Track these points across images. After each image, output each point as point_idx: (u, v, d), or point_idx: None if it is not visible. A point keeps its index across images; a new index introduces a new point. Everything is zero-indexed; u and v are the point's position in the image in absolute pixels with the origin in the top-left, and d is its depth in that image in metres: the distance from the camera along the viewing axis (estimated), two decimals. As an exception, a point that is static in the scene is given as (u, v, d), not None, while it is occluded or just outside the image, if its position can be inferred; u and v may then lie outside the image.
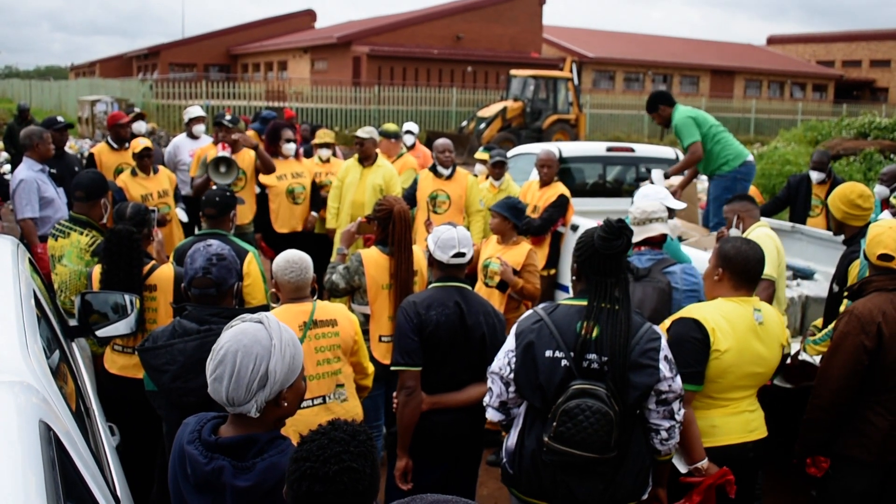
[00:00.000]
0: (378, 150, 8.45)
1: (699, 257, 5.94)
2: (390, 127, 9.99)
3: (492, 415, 3.58)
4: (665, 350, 3.43)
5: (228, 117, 8.21)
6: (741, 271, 3.87)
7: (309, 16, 57.54)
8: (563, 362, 3.33)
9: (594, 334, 3.34)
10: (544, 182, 7.76)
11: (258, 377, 2.30)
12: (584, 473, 3.33)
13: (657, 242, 5.09)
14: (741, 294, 3.88)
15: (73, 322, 4.26)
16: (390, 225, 5.09)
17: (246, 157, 8.17)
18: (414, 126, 11.27)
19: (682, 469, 3.73)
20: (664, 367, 3.38)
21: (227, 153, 7.84)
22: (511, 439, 3.53)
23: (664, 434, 3.46)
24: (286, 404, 2.37)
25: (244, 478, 2.26)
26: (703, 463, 3.70)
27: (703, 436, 3.75)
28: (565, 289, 7.64)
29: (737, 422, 3.86)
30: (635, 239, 5.08)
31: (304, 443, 2.03)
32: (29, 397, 1.99)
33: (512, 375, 3.45)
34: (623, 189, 9.92)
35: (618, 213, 8.68)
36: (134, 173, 7.75)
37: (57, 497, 1.67)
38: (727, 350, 3.73)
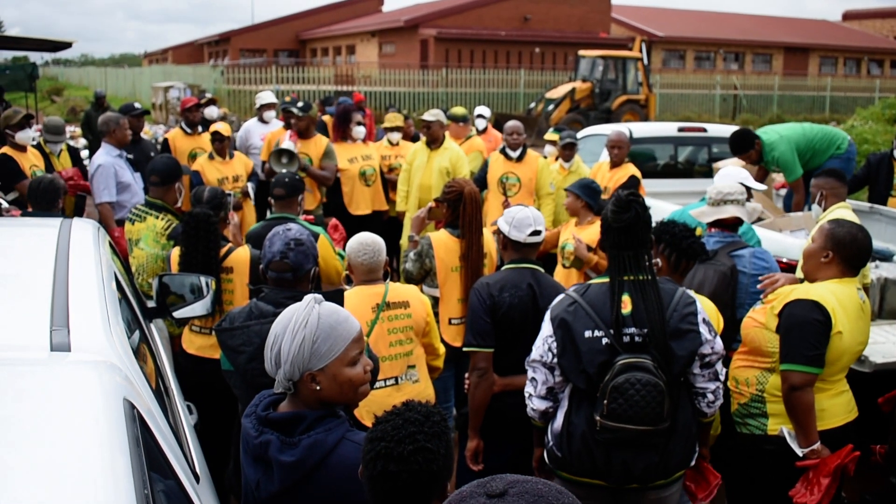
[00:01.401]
0: (446, 133, 8.42)
1: (772, 238, 5.82)
2: (458, 110, 10.03)
3: (538, 404, 3.53)
4: (702, 313, 3.42)
5: (300, 104, 8.25)
6: (852, 256, 3.80)
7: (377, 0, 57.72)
8: (604, 340, 3.32)
9: (628, 308, 3.33)
10: (615, 163, 7.69)
11: (275, 354, 2.36)
12: (639, 447, 3.32)
13: (730, 225, 5.00)
14: (847, 277, 3.82)
15: (150, 303, 4.35)
16: (461, 206, 5.09)
17: (314, 146, 8.18)
18: (486, 110, 11.23)
19: (799, 452, 3.69)
20: (704, 330, 3.37)
21: (291, 144, 7.88)
22: (557, 422, 3.51)
23: (711, 397, 3.47)
24: (319, 388, 2.36)
25: (289, 453, 2.30)
26: (818, 445, 3.67)
27: None
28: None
29: (840, 403, 3.83)
30: (707, 219, 5.01)
31: (378, 423, 2.05)
32: (113, 376, 2.03)
33: (556, 360, 3.43)
34: (695, 170, 9.77)
35: (690, 195, 8.56)
36: (211, 157, 7.89)
37: (142, 474, 1.70)
38: (843, 332, 3.68)
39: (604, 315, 3.35)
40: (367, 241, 4.15)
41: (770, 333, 3.82)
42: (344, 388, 2.38)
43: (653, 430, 3.25)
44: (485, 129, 10.96)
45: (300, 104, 8.25)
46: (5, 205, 5.85)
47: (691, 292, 3.55)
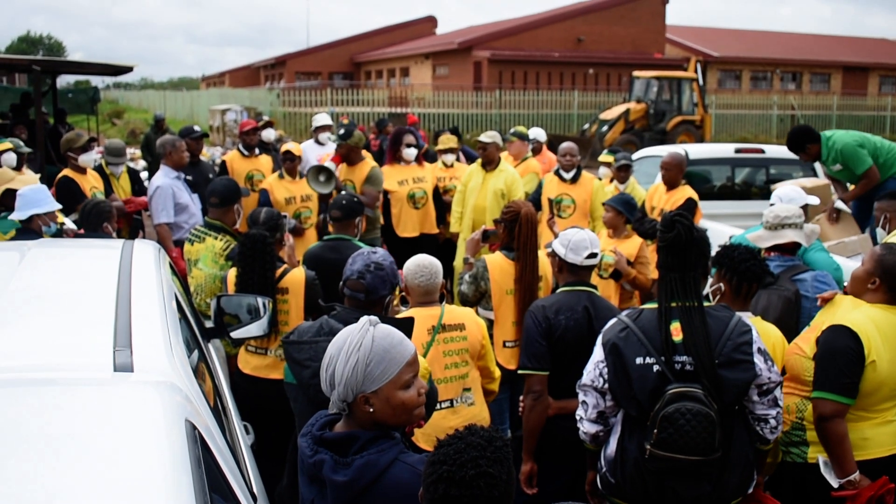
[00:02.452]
0: (505, 154, 8.44)
1: (842, 263, 5.69)
2: (522, 129, 10.10)
3: (588, 427, 3.47)
4: (758, 342, 3.33)
5: (341, 130, 8.30)
6: None
7: (430, 22, 58.13)
8: (655, 367, 3.25)
9: (679, 336, 3.26)
10: (671, 185, 7.61)
11: (329, 376, 2.38)
12: (690, 477, 3.24)
13: (789, 248, 4.93)
14: (893, 305, 3.71)
15: (208, 323, 4.41)
16: (517, 228, 5.07)
17: (358, 172, 8.11)
18: (540, 132, 11.21)
19: (834, 483, 3.59)
20: (759, 360, 3.29)
21: (329, 164, 7.89)
22: (610, 447, 3.45)
23: (773, 423, 3.38)
24: (372, 410, 2.36)
25: (342, 472, 2.30)
26: (856, 476, 3.55)
27: (854, 448, 3.60)
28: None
29: (887, 432, 3.69)
30: (765, 244, 4.93)
31: (440, 446, 2.04)
32: (175, 397, 2.06)
33: (607, 385, 3.37)
34: (752, 192, 9.65)
35: (747, 217, 8.44)
36: (281, 176, 7.94)
37: (204, 495, 1.72)
38: (882, 361, 3.57)
39: (655, 341, 3.29)
40: (425, 264, 4.16)
41: (808, 362, 3.73)
42: (397, 411, 2.38)
43: (703, 460, 3.18)
44: (540, 150, 10.93)
45: (341, 130, 8.29)
46: (69, 225, 5.96)
47: (748, 319, 3.48)
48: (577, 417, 3.54)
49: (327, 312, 3.69)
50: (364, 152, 8.21)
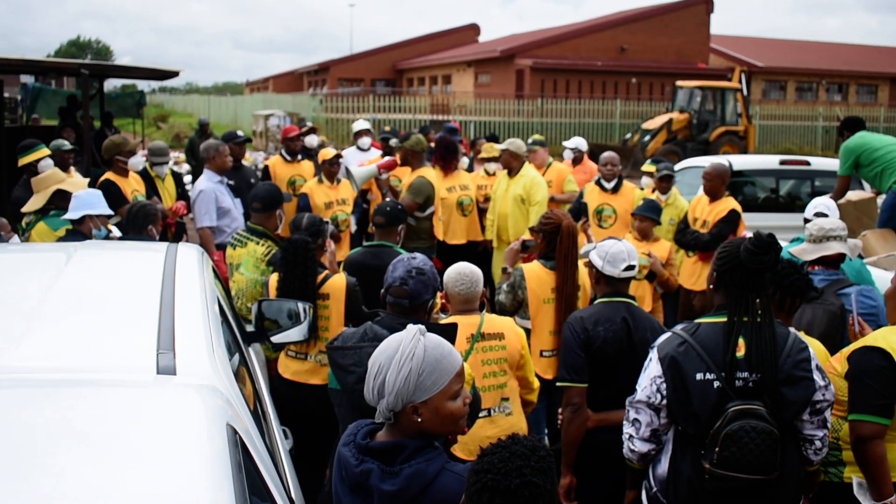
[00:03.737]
0: (526, 161, 8.52)
1: (880, 277, 5.63)
2: (540, 137, 10.28)
3: (640, 446, 3.39)
4: (815, 359, 3.29)
5: (401, 137, 8.43)
6: None
7: (473, 30, 58.19)
8: (716, 384, 3.20)
9: (742, 352, 3.20)
10: (714, 196, 7.54)
11: (378, 385, 2.36)
12: (748, 496, 3.20)
13: (833, 262, 4.85)
14: None
15: (249, 327, 4.43)
16: (557, 240, 5.06)
17: (410, 177, 8.30)
18: (582, 142, 11.18)
19: None
20: (817, 377, 3.25)
21: (368, 170, 8.01)
22: (662, 467, 3.39)
23: (818, 444, 3.33)
24: (420, 420, 2.35)
25: (390, 482, 2.30)
26: (893, 499, 3.47)
27: (891, 470, 3.52)
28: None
29: None
30: (809, 257, 4.87)
31: (484, 455, 2.04)
32: (216, 400, 2.07)
33: (664, 402, 3.31)
34: (797, 204, 9.54)
35: (792, 230, 8.33)
36: (320, 181, 8.01)
37: (244, 500, 1.73)
38: None
39: (716, 357, 3.23)
40: (466, 272, 4.16)
41: (841, 381, 3.66)
42: (445, 421, 2.38)
43: (764, 479, 3.14)
44: (580, 160, 10.89)
45: (392, 140, 8.41)
46: (116, 232, 6.03)
47: (802, 336, 3.43)
48: (626, 436, 3.46)
49: (371, 318, 3.71)
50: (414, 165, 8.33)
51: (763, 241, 3.23)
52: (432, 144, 9.16)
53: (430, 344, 2.38)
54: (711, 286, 3.42)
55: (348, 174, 8.04)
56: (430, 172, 8.26)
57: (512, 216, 8.18)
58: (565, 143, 11.08)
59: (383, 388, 2.35)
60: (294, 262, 4.88)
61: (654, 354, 3.38)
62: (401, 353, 2.35)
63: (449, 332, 3.20)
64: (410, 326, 2.42)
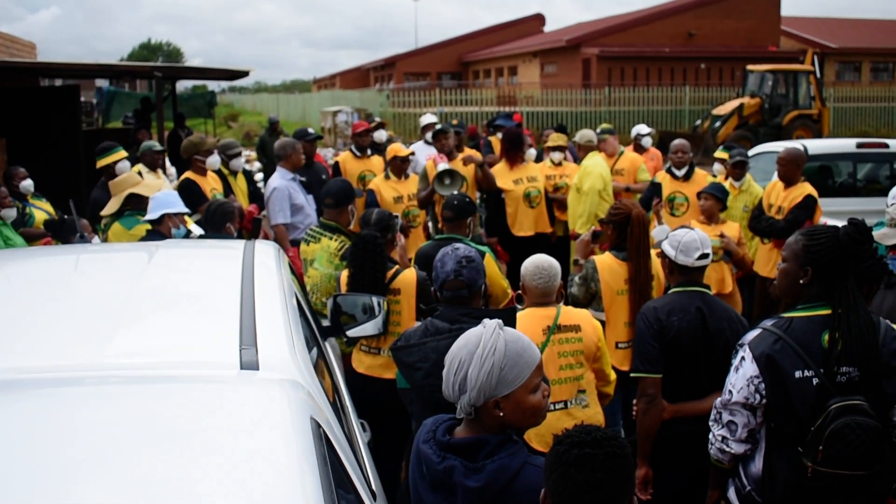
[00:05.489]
0: (595, 154, 8.61)
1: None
2: (608, 125, 10.32)
3: (737, 448, 3.30)
4: None
5: (434, 122, 8.46)
6: None
7: (538, 20, 57.89)
8: (814, 381, 3.10)
9: (840, 345, 3.11)
10: (789, 182, 7.39)
11: (459, 380, 2.37)
12: (850, 492, 3.11)
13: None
14: None
15: (325, 322, 4.49)
16: (628, 230, 5.04)
17: (466, 165, 8.40)
18: (643, 127, 11.05)
19: None
20: None
21: (445, 164, 8.01)
22: (755, 465, 3.31)
23: None
24: (502, 414, 2.36)
25: (474, 478, 2.30)
26: None
27: None
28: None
29: None
30: (890, 242, 4.73)
31: (559, 442, 2.06)
32: (299, 394, 2.10)
33: (764, 402, 3.21)
34: (876, 187, 9.29)
35: (871, 214, 8.12)
36: (387, 177, 8.02)
37: (331, 493, 1.76)
38: None
39: (812, 352, 3.13)
40: (544, 266, 4.16)
41: None
42: (526, 415, 2.39)
43: (867, 474, 3.06)
44: (644, 148, 10.74)
45: (435, 123, 8.52)
46: (197, 230, 6.16)
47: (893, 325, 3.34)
48: (718, 438, 3.36)
49: (430, 314, 3.74)
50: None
51: (864, 228, 3.15)
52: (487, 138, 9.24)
53: (511, 338, 2.38)
54: (803, 280, 3.28)
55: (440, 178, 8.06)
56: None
57: (571, 206, 8.45)
58: (638, 130, 10.92)
59: (465, 384, 2.36)
60: (363, 258, 4.92)
61: (746, 353, 3.25)
62: (482, 347, 2.35)
63: (509, 317, 3.19)
64: (488, 321, 2.43)
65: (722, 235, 6.70)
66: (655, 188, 7.99)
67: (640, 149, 10.51)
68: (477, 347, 2.36)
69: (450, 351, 2.44)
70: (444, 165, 7.94)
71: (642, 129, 10.92)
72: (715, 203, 6.91)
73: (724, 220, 7.03)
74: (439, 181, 7.80)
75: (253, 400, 2.02)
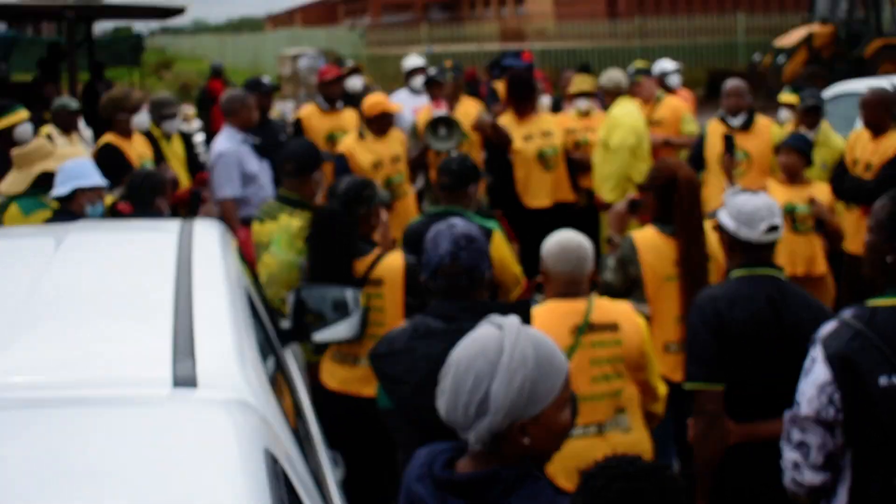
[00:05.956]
0: (626, 100, 8.57)
1: None
2: (642, 63, 10.35)
3: (811, 477, 3.24)
4: None
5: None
6: None
7: (551, -66, 57.77)
8: None
9: None
10: (877, 130, 7.34)
11: (477, 401, 2.24)
12: None
13: None
14: None
15: (285, 323, 4.45)
16: (675, 196, 4.98)
17: (469, 115, 8.34)
18: (670, 64, 10.97)
19: None
20: None
21: (443, 111, 7.95)
22: (839, 500, 3.24)
23: None
24: (528, 441, 2.26)
25: None
26: None
27: None
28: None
29: None
30: None
31: (592, 477, 2.00)
32: (250, 419, 2.07)
33: (840, 416, 3.15)
34: None
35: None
36: (361, 135, 7.95)
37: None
38: None
39: None
40: (572, 245, 4.10)
41: None
42: (555, 437, 2.32)
43: None
44: (671, 90, 10.63)
45: (430, 69, 8.46)
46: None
47: None
48: (790, 464, 3.32)
49: (419, 310, 3.68)
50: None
51: None
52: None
53: (536, 340, 2.29)
54: (890, 257, 3.24)
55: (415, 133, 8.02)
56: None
57: (598, 166, 8.34)
58: (662, 66, 10.82)
59: (486, 406, 2.22)
60: (320, 241, 4.88)
61: (818, 353, 3.20)
62: (509, 356, 2.23)
63: (522, 314, 3.11)
64: (506, 320, 2.33)
65: (812, 201, 6.63)
66: (711, 141, 7.92)
67: (665, 90, 10.44)
68: (500, 356, 2.24)
69: (453, 360, 2.32)
70: (440, 112, 7.91)
71: (667, 64, 10.88)
72: (798, 159, 6.85)
73: (810, 181, 6.94)
74: (432, 131, 7.73)
75: (189, 427, 1.98)
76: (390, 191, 7.52)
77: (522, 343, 2.25)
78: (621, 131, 8.27)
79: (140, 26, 45.87)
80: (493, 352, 2.25)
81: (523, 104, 8.50)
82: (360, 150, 7.82)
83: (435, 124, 7.80)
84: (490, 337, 2.28)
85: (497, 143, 8.36)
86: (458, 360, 2.30)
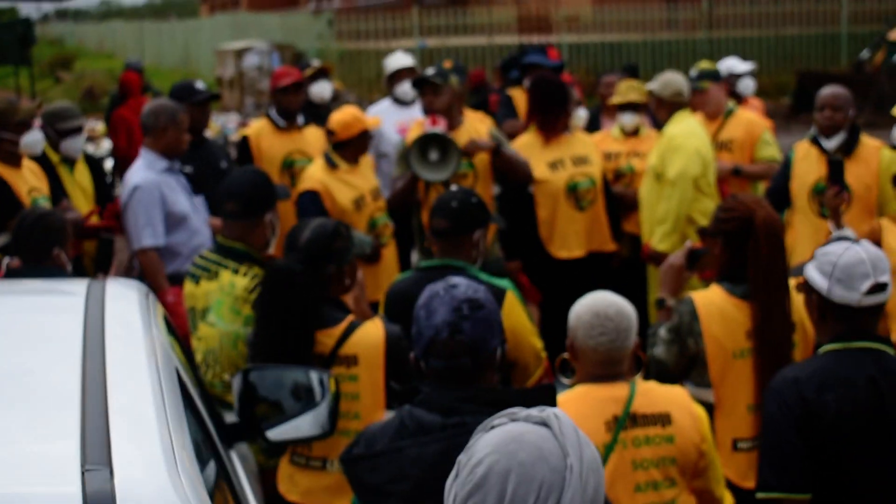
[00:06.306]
0: (684, 115, 8.46)
1: None
2: (708, 64, 10.06)
3: None
4: None
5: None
6: None
7: None
8: None
9: None
10: None
11: None
12: None
13: None
14: None
15: (229, 416, 4.47)
16: (750, 245, 5.04)
17: (477, 134, 8.28)
18: (739, 65, 11.02)
19: None
20: None
21: (439, 128, 7.95)
22: None
23: None
24: None
25: None
26: None
27: None
28: None
29: None
30: None
31: None
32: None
33: None
34: None
35: None
36: (332, 164, 7.92)
37: None
38: None
39: None
40: (608, 312, 4.16)
41: None
42: None
43: None
44: (741, 99, 10.69)
45: (431, 71, 8.41)
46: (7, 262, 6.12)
47: None
48: None
49: (408, 398, 3.69)
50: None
51: None
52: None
53: (583, 433, 2.34)
54: None
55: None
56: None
57: (647, 202, 8.29)
58: (729, 66, 10.87)
59: None
60: (274, 305, 4.92)
61: None
62: (577, 461, 2.23)
63: (545, 402, 3.14)
64: (545, 413, 2.34)
65: None
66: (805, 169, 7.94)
67: (734, 98, 10.47)
68: (564, 460, 2.27)
69: (492, 472, 2.25)
70: (435, 129, 7.89)
71: (737, 64, 10.87)
72: None
73: None
74: (420, 154, 7.72)
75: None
76: (374, 236, 7.56)
77: (583, 441, 2.29)
78: (682, 157, 8.17)
79: (29, 8, 45.96)
80: (556, 456, 2.25)
81: (552, 119, 8.45)
82: (335, 184, 7.81)
83: (424, 144, 7.77)
84: (541, 437, 2.31)
85: (507, 175, 8.37)
86: (503, 470, 2.25)
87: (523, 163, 8.23)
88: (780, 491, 4.07)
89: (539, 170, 8.34)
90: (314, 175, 7.96)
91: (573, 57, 29.38)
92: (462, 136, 8.15)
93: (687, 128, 8.40)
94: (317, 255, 5.18)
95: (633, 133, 9.12)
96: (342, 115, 8.07)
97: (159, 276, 7.42)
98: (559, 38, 32.09)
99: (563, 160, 8.43)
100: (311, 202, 7.66)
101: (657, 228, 8.31)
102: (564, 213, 8.44)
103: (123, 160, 9.47)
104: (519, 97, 10.69)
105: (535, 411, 2.34)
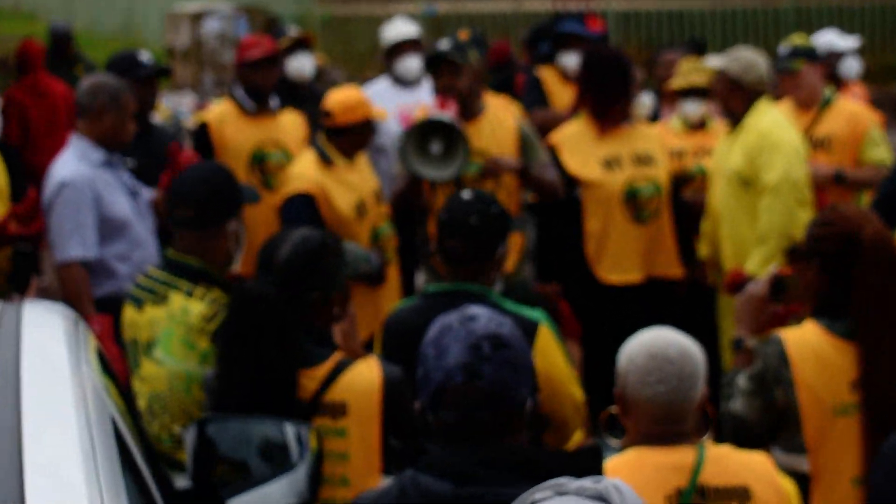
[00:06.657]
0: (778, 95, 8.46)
1: None
2: (802, 39, 9.99)
3: None
4: None
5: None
6: None
7: None
8: None
9: None
10: None
11: None
12: None
13: None
14: None
15: (179, 481, 4.45)
16: (855, 270, 5.02)
17: (488, 133, 8.25)
18: (841, 40, 11.06)
19: None
20: None
21: (447, 115, 7.93)
22: None
23: None
24: None
25: None
26: None
27: None
28: None
29: None
30: None
31: None
32: None
33: None
34: None
35: None
36: (327, 161, 8.02)
37: None
38: None
39: None
40: (669, 354, 4.14)
41: None
42: None
43: None
44: (842, 83, 10.74)
45: (446, 46, 8.39)
46: None
47: None
48: None
49: (410, 460, 3.68)
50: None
51: None
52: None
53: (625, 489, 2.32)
54: None
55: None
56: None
57: (728, 216, 8.21)
58: (830, 42, 10.89)
59: None
60: (240, 340, 4.90)
61: None
62: None
63: (590, 469, 3.11)
64: (601, 485, 2.34)
65: None
66: None
67: (832, 83, 10.47)
68: None
69: None
70: (444, 116, 7.86)
71: (837, 41, 10.91)
72: None
73: None
74: (418, 145, 7.71)
75: None
76: (377, 250, 7.53)
77: None
78: (782, 158, 8.12)
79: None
80: None
81: (609, 104, 8.48)
82: (335, 186, 7.85)
83: (424, 134, 7.80)
84: None
85: (533, 186, 8.35)
86: None
87: (553, 178, 8.24)
88: None
89: (590, 169, 8.36)
90: (306, 173, 8.02)
91: (622, 27, 29.49)
92: (483, 129, 8.17)
93: (775, 120, 8.29)
94: (298, 276, 5.15)
95: (699, 126, 9.11)
96: (343, 95, 8.14)
97: (83, 297, 7.40)
98: (606, 2, 32.18)
99: (620, 158, 8.45)
100: (304, 209, 7.68)
101: (756, 250, 8.15)
102: (619, 226, 8.45)
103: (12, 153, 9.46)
104: (550, 78, 10.73)
105: (588, 482, 2.32)
